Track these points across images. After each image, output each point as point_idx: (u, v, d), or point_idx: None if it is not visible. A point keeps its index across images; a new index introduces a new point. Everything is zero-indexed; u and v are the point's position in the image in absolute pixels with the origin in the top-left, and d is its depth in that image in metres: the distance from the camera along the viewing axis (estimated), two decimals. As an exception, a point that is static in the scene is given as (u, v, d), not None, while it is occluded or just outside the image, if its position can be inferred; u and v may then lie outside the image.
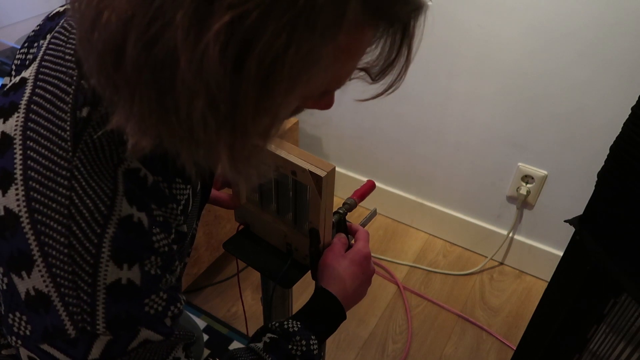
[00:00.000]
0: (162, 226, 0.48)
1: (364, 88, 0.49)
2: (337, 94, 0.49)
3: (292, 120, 1.80)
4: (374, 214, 0.89)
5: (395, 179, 1.85)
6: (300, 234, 0.77)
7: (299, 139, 1.75)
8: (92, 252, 0.42)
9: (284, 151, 0.68)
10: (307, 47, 0.34)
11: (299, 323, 0.64)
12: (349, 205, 0.83)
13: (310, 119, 1.91)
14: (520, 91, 1.43)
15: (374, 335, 1.53)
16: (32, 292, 0.43)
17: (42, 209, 0.42)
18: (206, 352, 1.44)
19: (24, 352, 0.45)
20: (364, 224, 0.85)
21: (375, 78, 0.47)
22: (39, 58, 0.49)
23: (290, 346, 0.61)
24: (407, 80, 0.46)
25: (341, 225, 0.80)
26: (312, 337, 0.63)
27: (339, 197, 1.94)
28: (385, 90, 0.48)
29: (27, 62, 0.50)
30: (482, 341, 1.53)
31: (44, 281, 0.42)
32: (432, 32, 1.45)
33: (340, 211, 0.81)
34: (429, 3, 0.42)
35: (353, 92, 0.52)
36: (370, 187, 0.88)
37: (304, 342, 0.62)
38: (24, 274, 0.42)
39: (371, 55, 0.45)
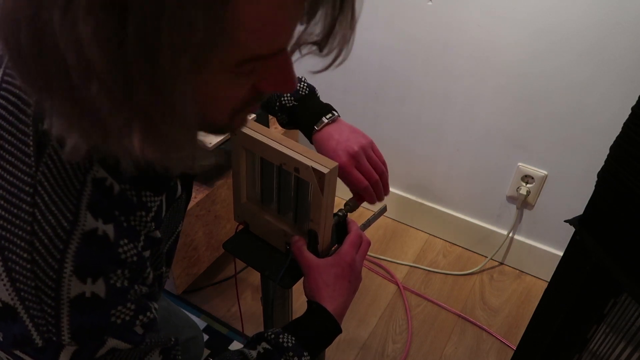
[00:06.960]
0: (130, 235, 0.48)
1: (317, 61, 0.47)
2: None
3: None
4: (383, 210, 0.88)
5: (395, 179, 1.85)
6: (301, 233, 0.77)
7: (298, 139, 1.75)
8: (54, 267, 0.43)
9: (288, 148, 0.69)
10: (183, 16, 0.31)
11: (293, 339, 0.65)
12: (350, 207, 0.83)
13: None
14: (520, 91, 1.43)
15: (374, 335, 1.53)
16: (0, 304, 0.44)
17: (6, 225, 0.43)
18: (206, 352, 1.44)
19: (2, 354, 0.47)
20: (371, 220, 0.85)
21: (323, 47, 0.44)
22: (3, 66, 0.48)
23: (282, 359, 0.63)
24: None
25: (340, 227, 0.80)
26: (305, 353, 0.65)
27: (340, 198, 1.93)
28: (335, 59, 0.45)
29: None
30: (482, 341, 1.53)
31: (9, 294, 0.43)
32: (432, 32, 1.45)
33: (340, 213, 0.81)
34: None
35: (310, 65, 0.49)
36: None
37: (295, 359, 0.64)
38: None
39: (321, 24, 0.42)
